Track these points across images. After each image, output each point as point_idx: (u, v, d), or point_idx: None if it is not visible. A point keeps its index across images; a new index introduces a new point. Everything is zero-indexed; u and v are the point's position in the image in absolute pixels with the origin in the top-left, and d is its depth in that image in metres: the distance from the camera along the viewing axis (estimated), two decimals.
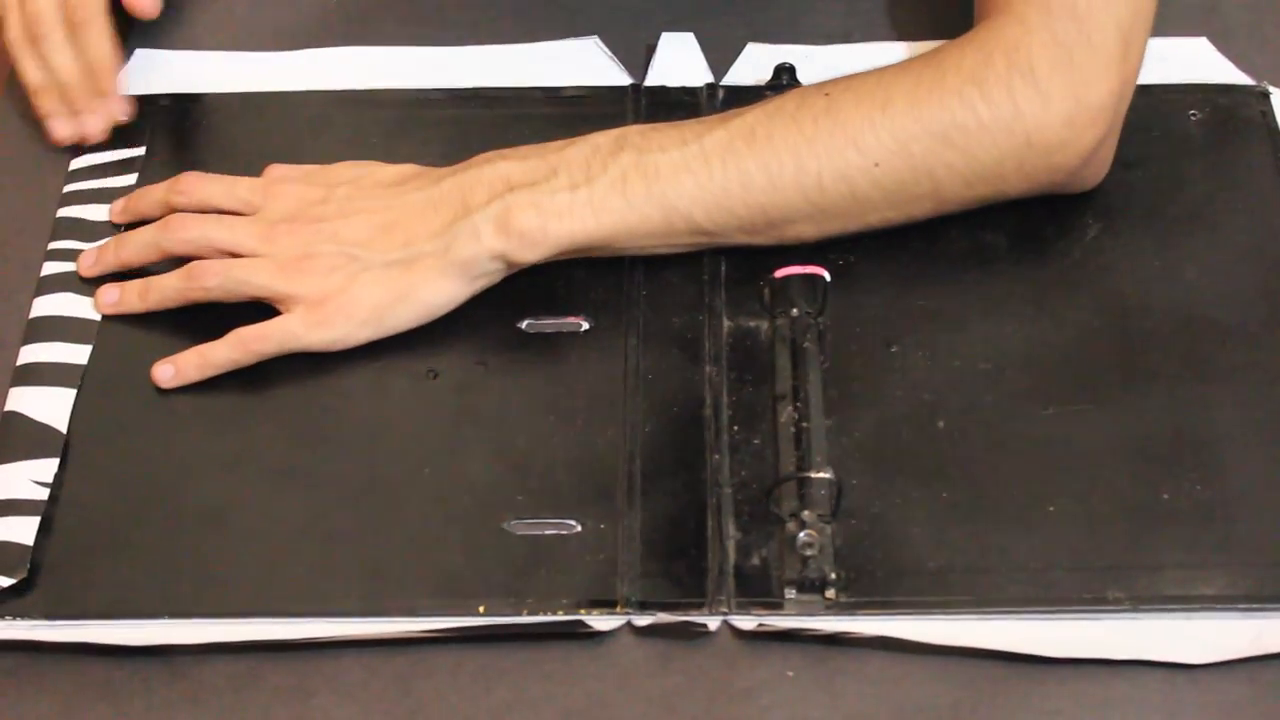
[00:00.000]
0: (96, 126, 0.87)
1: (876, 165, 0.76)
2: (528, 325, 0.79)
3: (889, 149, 0.76)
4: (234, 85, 0.90)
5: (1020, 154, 0.77)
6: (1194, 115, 0.86)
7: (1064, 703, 0.68)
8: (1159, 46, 0.85)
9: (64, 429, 0.76)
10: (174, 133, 0.88)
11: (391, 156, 0.83)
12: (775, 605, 0.70)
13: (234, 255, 0.79)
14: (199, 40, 0.93)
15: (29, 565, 0.71)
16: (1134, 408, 0.75)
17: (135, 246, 0.81)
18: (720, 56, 0.90)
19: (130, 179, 0.86)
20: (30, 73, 0.87)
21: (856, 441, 0.75)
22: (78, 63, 0.87)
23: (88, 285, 0.81)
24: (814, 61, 0.88)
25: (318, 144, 0.86)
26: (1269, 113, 0.86)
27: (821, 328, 0.78)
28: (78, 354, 0.79)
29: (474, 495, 0.73)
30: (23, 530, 0.72)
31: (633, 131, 0.78)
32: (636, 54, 0.91)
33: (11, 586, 0.71)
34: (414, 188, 0.79)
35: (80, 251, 0.82)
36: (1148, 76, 0.81)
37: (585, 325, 0.79)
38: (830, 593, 0.70)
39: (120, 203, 0.84)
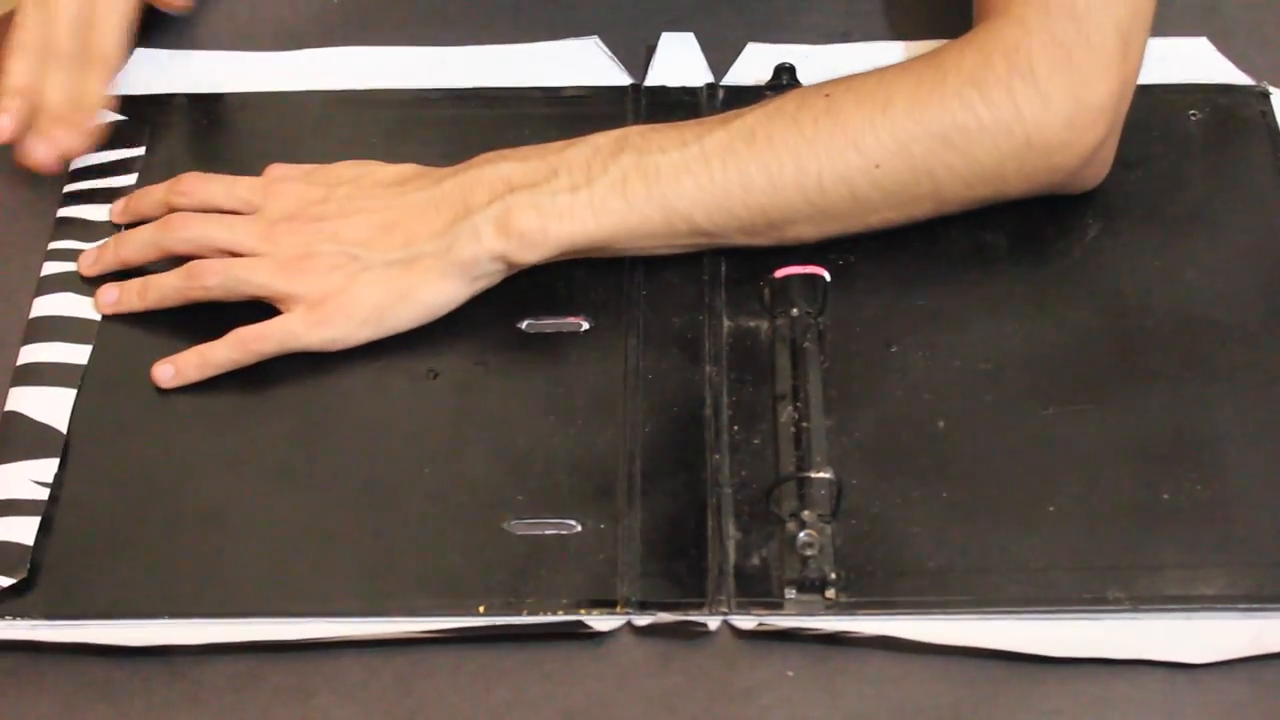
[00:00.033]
0: (53, 152, 0.84)
1: (877, 166, 0.76)
2: (528, 325, 0.79)
3: (889, 150, 0.76)
4: (234, 85, 0.90)
5: (1020, 155, 0.77)
6: (1194, 115, 0.86)
7: (1064, 703, 0.68)
8: (1159, 46, 0.85)
9: (64, 429, 0.76)
10: (174, 133, 0.88)
11: (391, 156, 0.82)
12: (775, 605, 0.70)
13: (234, 254, 0.79)
14: (199, 40, 0.93)
15: (29, 565, 0.71)
16: (1134, 408, 0.75)
17: (135, 245, 0.81)
18: (720, 56, 0.90)
19: (130, 179, 0.86)
20: (18, 77, 0.84)
21: (856, 441, 0.75)
22: (69, 95, 0.84)
23: (88, 285, 0.81)
24: (814, 61, 0.88)
25: (318, 144, 0.86)
26: (1269, 113, 0.86)
27: (821, 328, 0.78)
28: (78, 354, 0.79)
29: (474, 495, 0.73)
30: (23, 530, 0.72)
31: (633, 132, 0.78)
32: (636, 54, 0.91)
33: (11, 586, 0.71)
34: (415, 188, 0.79)
35: (80, 251, 0.82)
36: (1148, 76, 0.81)
37: (585, 325, 0.79)
38: (830, 593, 0.70)
39: (120, 203, 0.84)
